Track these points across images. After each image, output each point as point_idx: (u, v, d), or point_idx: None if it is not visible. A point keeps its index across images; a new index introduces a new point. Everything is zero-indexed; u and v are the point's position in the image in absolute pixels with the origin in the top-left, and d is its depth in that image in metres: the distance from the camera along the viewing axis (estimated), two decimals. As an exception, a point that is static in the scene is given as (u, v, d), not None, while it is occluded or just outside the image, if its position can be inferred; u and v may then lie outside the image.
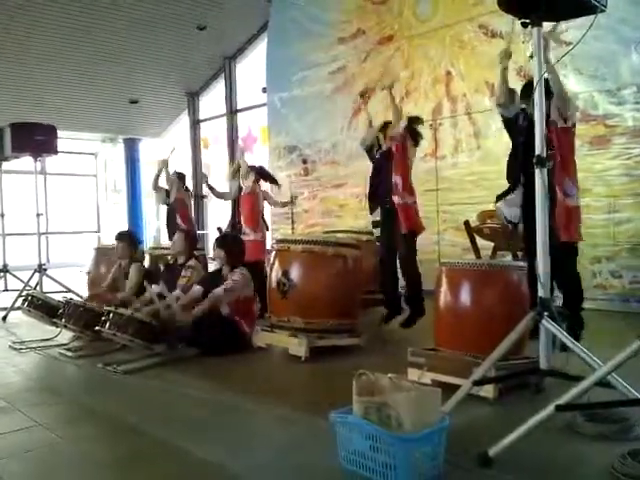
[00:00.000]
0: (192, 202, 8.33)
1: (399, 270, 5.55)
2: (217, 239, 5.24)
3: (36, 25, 10.21)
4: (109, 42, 11.09)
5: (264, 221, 6.76)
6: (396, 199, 5.27)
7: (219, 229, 6.79)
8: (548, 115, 4.01)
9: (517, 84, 7.10)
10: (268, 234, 6.98)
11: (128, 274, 5.68)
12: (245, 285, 4.88)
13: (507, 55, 4.33)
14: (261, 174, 6.81)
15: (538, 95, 2.84)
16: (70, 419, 3.31)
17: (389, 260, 5.52)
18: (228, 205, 7.30)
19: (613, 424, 2.72)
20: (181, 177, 7.72)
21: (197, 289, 4.92)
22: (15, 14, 9.80)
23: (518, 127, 4.42)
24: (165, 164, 7.48)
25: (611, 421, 2.75)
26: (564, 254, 4.08)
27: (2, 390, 3.77)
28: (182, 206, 7.50)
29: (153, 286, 5.02)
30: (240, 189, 6.71)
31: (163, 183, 7.63)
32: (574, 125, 4.34)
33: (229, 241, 5.23)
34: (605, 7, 2.83)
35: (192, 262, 5.43)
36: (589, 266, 6.33)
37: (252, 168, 6.72)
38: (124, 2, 10.27)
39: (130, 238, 5.97)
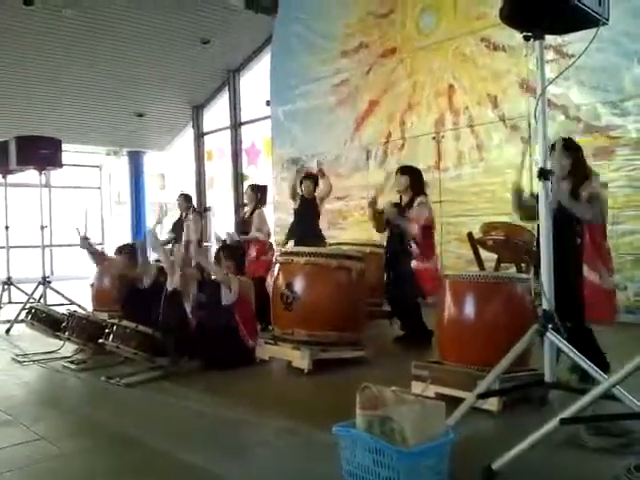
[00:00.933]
0: (200, 219, 8.16)
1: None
2: (223, 249, 5.21)
3: (41, 39, 10.30)
4: (114, 56, 11.18)
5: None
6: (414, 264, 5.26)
7: (218, 238, 6.74)
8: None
9: (520, 97, 7.21)
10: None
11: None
12: (250, 290, 4.89)
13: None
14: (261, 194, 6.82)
15: (540, 109, 2.84)
16: (72, 432, 3.30)
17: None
18: (232, 218, 7.32)
19: (618, 437, 2.71)
20: (188, 199, 7.78)
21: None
22: (20, 31, 9.89)
23: None
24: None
25: (616, 434, 2.73)
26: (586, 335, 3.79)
27: (5, 403, 3.76)
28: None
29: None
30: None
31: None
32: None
33: (235, 252, 5.21)
34: (607, 20, 2.83)
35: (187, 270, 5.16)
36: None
37: (255, 188, 6.78)
38: (129, 16, 10.36)
39: (130, 252, 5.66)
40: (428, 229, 5.36)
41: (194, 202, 8.63)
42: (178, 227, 7.60)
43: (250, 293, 4.93)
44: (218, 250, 5.26)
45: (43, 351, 5.21)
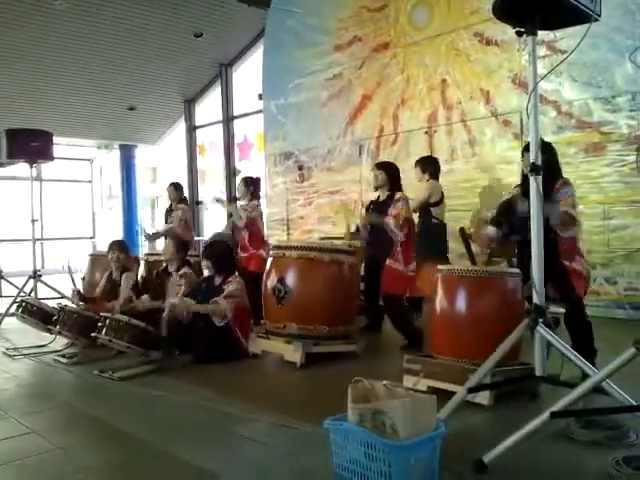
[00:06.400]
0: (189, 213, 8.04)
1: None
2: (204, 249, 5.22)
3: (32, 32, 10.21)
4: (106, 49, 11.10)
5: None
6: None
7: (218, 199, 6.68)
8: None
9: (512, 92, 7.23)
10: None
11: (120, 283, 5.63)
12: (243, 292, 4.87)
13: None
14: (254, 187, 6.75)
15: (532, 104, 2.85)
16: (64, 426, 3.29)
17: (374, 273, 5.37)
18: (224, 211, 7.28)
19: (607, 431, 2.73)
20: (178, 188, 7.66)
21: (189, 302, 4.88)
22: (12, 22, 9.80)
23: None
24: None
25: (605, 428, 2.75)
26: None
27: (-4, 397, 3.76)
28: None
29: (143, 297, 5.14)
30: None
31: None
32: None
33: (215, 250, 5.09)
34: (599, 16, 2.84)
35: (185, 270, 5.26)
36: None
37: (247, 181, 6.70)
38: (121, 9, 10.28)
39: (121, 247, 5.84)
40: (409, 231, 5.21)
41: (188, 197, 8.55)
42: (168, 217, 7.58)
43: (244, 295, 4.89)
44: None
45: (34, 345, 5.20)
